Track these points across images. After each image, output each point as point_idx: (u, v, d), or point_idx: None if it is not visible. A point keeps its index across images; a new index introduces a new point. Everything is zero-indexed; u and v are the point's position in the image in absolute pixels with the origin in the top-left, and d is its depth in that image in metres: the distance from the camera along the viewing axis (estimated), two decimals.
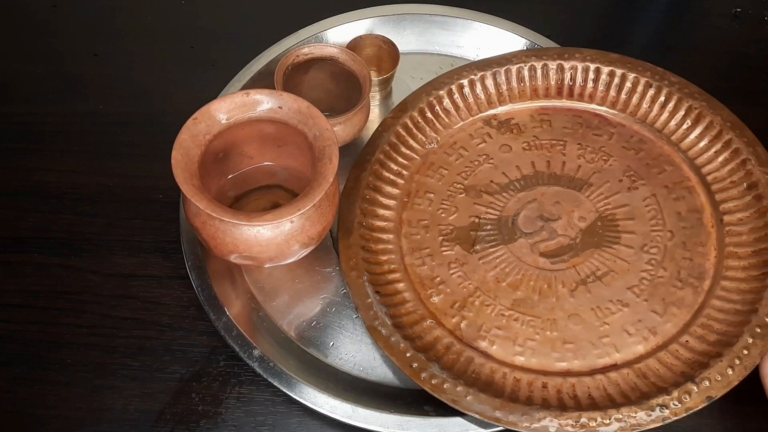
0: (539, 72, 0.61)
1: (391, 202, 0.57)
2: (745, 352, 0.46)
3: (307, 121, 0.49)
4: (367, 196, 0.56)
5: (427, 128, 0.60)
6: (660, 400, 0.45)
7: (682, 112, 0.57)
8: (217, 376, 0.53)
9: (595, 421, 0.45)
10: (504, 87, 0.61)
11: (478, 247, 0.54)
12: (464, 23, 0.67)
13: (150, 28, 0.72)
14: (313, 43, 0.62)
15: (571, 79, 0.61)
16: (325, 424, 0.51)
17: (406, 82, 0.66)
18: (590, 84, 0.60)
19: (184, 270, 0.55)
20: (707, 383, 0.45)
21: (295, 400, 0.50)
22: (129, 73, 0.69)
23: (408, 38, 0.68)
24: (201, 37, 0.71)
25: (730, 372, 0.45)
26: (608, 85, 0.60)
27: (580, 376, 0.48)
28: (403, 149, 0.59)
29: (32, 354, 0.54)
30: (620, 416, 0.45)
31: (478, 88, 0.61)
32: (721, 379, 0.45)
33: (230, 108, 0.49)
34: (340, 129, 0.57)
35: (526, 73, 0.61)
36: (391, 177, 0.58)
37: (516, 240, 0.54)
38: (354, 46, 0.63)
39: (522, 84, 0.61)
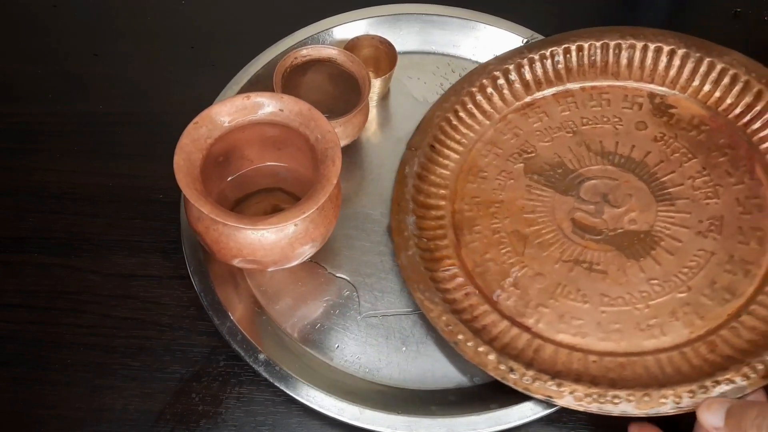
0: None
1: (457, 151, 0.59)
2: None
3: (309, 124, 0.49)
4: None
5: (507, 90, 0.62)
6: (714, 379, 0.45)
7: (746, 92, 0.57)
8: (217, 376, 0.53)
9: (650, 396, 0.45)
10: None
11: (535, 177, 0.57)
12: (462, 23, 0.67)
13: (150, 28, 0.72)
14: (311, 45, 0.62)
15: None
16: (325, 424, 0.51)
17: (403, 83, 0.66)
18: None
19: (184, 270, 0.55)
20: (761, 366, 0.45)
21: (295, 400, 0.50)
22: (129, 73, 0.69)
23: (405, 38, 0.68)
24: (201, 37, 0.71)
25: None
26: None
27: (628, 356, 0.48)
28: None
29: (32, 354, 0.54)
30: (672, 394, 0.45)
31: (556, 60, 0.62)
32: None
33: (231, 111, 0.49)
34: (340, 131, 0.57)
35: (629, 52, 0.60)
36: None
37: (566, 194, 0.55)
38: (351, 46, 0.63)
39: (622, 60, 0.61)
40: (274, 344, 0.53)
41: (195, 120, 0.48)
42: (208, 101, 0.61)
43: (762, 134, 0.55)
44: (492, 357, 0.49)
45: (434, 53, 0.68)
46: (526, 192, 0.57)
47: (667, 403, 0.45)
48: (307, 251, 0.50)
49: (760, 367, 0.45)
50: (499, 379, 0.48)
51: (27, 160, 0.63)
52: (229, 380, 0.53)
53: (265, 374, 0.50)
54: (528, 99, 0.61)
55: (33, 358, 0.54)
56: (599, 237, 0.54)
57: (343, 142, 0.58)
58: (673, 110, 0.59)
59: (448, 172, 0.59)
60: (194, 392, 0.52)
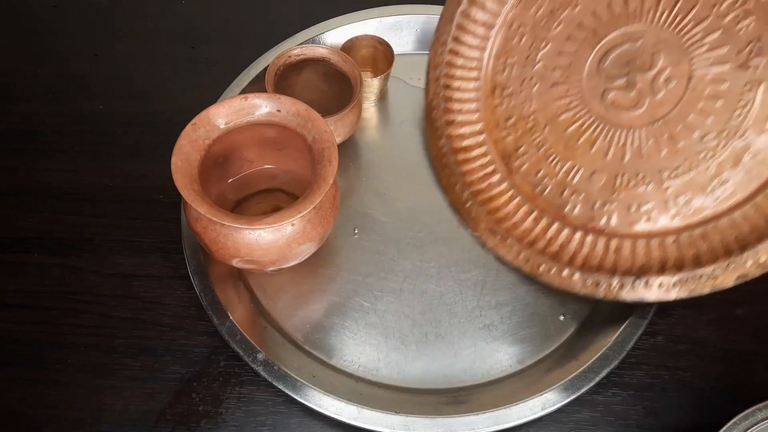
0: None
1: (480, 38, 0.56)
2: None
3: (306, 124, 0.49)
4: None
5: None
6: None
7: None
8: (218, 376, 0.53)
9: (735, 263, 0.45)
10: None
11: (557, 72, 0.53)
12: None
13: (150, 28, 0.72)
14: (304, 44, 0.62)
15: None
16: (326, 425, 0.51)
17: (403, 83, 0.66)
18: None
19: (184, 270, 0.55)
20: None
21: (295, 400, 0.50)
22: (129, 74, 0.69)
23: (406, 39, 0.68)
24: (201, 37, 0.71)
25: None
26: None
27: (704, 225, 0.47)
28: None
29: (32, 354, 0.54)
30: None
31: None
32: None
33: (229, 113, 0.49)
34: (333, 129, 0.57)
35: None
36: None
37: (593, 78, 0.52)
38: (349, 47, 0.63)
39: None
40: (274, 344, 0.53)
41: (193, 121, 0.48)
42: (208, 101, 0.61)
43: None
44: (577, 277, 0.49)
45: None
46: (554, 92, 0.53)
47: (751, 265, 0.44)
48: (306, 251, 0.50)
49: None
50: (588, 295, 0.48)
51: (27, 160, 0.63)
52: (229, 380, 0.53)
53: (264, 374, 0.50)
54: None
55: (33, 358, 0.54)
56: (641, 110, 0.50)
57: (336, 141, 0.58)
58: None
59: (473, 105, 0.56)
60: (195, 392, 0.52)
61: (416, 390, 0.52)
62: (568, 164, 0.52)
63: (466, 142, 0.56)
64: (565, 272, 0.49)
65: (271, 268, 0.51)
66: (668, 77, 0.50)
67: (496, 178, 0.54)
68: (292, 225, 0.48)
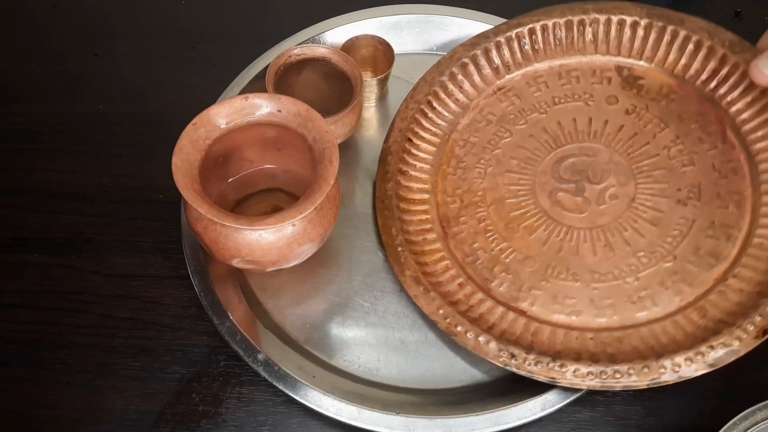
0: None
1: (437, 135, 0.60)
2: None
3: (306, 124, 0.49)
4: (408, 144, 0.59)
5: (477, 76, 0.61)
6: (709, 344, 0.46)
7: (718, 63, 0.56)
8: (218, 376, 0.53)
9: (649, 368, 0.46)
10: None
11: (514, 161, 0.57)
12: (462, 23, 0.67)
13: (150, 28, 0.72)
14: (304, 44, 0.62)
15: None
16: (326, 425, 0.51)
17: (403, 83, 0.66)
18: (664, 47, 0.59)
19: (184, 270, 0.55)
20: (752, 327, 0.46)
21: (295, 400, 0.50)
22: (129, 73, 0.69)
23: (406, 39, 0.68)
24: (201, 37, 0.71)
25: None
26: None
27: (623, 329, 0.49)
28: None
29: (32, 354, 0.54)
30: (670, 363, 0.46)
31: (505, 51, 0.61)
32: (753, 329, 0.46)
33: (229, 113, 0.49)
34: (333, 129, 0.57)
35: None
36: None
37: (546, 176, 0.56)
38: (349, 46, 0.63)
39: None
40: (274, 344, 0.53)
41: (193, 121, 0.48)
42: (208, 101, 0.61)
43: (729, 98, 0.56)
44: (493, 345, 0.49)
45: (435, 54, 0.68)
46: (507, 177, 0.57)
47: (666, 372, 0.46)
48: (306, 251, 0.50)
49: (750, 327, 0.46)
50: (501, 365, 0.49)
51: (27, 160, 0.63)
52: (229, 380, 0.53)
53: (264, 374, 0.50)
54: (499, 83, 0.61)
55: (33, 358, 0.54)
56: (583, 215, 0.54)
57: (336, 141, 0.58)
58: (641, 81, 0.59)
59: (427, 166, 0.59)
60: (195, 392, 0.52)
61: (416, 390, 0.52)
62: (504, 244, 0.54)
63: (411, 195, 0.57)
64: (482, 338, 0.50)
65: (271, 269, 0.51)
66: (614, 194, 0.55)
67: (431, 236, 0.55)
68: (293, 225, 0.48)
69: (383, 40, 0.63)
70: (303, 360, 0.52)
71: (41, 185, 0.61)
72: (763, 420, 0.44)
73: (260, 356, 0.51)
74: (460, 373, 0.53)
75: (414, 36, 0.68)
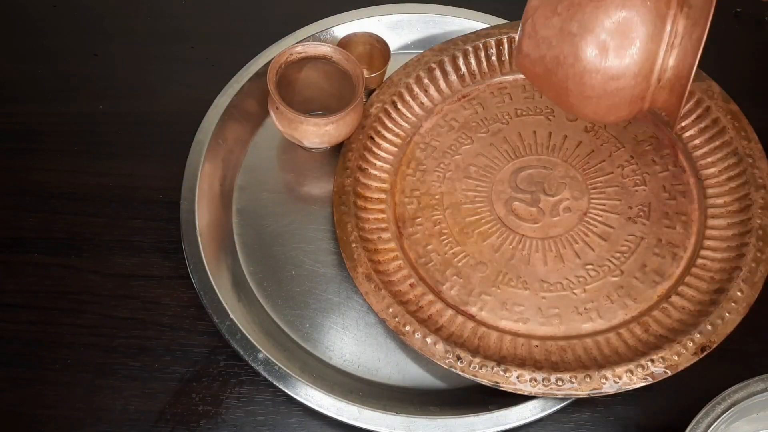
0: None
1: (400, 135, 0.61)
2: (719, 321, 0.49)
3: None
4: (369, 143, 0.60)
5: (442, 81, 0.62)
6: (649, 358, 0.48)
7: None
8: (218, 376, 0.53)
9: (590, 378, 0.48)
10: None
11: (473, 168, 0.58)
12: (461, 22, 0.67)
13: (150, 28, 0.72)
14: (306, 42, 0.62)
15: None
16: (325, 424, 0.51)
17: None
18: None
19: (184, 270, 0.55)
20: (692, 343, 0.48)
21: (295, 400, 0.50)
22: (128, 73, 0.69)
23: (406, 38, 0.68)
24: (201, 36, 0.71)
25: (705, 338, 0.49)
26: None
27: (568, 339, 0.51)
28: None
29: (32, 354, 0.54)
30: (610, 375, 0.48)
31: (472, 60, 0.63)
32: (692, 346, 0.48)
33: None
34: (333, 128, 0.57)
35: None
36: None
37: (503, 185, 0.57)
38: (346, 43, 0.63)
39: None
40: (274, 343, 0.53)
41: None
42: (207, 101, 0.62)
43: (683, 124, 0.57)
44: (440, 346, 0.50)
45: None
46: (465, 183, 0.58)
47: (607, 383, 0.47)
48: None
49: (690, 344, 0.48)
50: (446, 367, 0.49)
51: (27, 160, 0.63)
52: (229, 380, 0.53)
53: (264, 373, 0.50)
54: (464, 90, 0.62)
55: (33, 358, 0.54)
56: (536, 225, 0.56)
57: (337, 140, 0.59)
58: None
59: (387, 165, 0.59)
60: (194, 392, 0.52)
61: (416, 390, 0.52)
62: (458, 248, 0.55)
63: (369, 193, 0.58)
64: (430, 339, 0.50)
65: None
66: (567, 207, 0.56)
67: (386, 235, 0.56)
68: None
69: (380, 37, 0.63)
70: (303, 360, 0.53)
71: (41, 185, 0.61)
72: (723, 412, 0.45)
73: (260, 355, 0.51)
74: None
75: (414, 35, 0.68)
